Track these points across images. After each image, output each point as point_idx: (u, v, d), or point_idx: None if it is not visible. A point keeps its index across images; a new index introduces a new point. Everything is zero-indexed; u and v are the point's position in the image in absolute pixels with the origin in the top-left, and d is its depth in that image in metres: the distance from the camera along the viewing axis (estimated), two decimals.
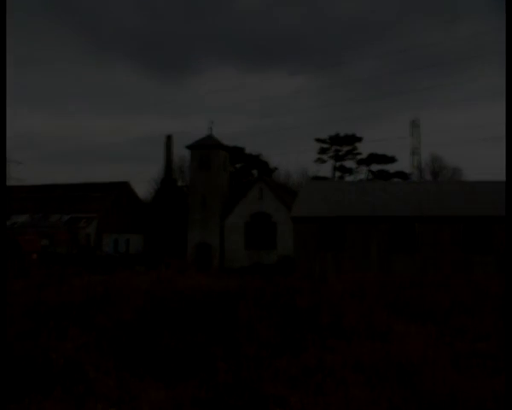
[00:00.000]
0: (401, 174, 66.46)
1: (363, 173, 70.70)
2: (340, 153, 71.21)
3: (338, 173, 71.45)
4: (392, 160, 67.93)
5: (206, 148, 51.15)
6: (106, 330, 10.03)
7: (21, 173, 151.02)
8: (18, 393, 6.71)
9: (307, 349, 9.50)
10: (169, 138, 67.19)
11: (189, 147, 52.65)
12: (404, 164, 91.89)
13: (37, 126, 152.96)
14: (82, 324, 10.92)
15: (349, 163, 71.49)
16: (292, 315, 12.55)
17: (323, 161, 72.19)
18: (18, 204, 68.90)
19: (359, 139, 70.27)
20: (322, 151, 71.73)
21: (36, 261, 32.36)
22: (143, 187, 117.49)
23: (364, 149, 71.24)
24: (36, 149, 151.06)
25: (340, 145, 70.83)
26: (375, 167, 69.52)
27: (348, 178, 70.00)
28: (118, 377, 7.32)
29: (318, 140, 71.77)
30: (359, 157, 70.33)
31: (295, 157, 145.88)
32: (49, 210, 65.38)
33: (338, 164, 71.60)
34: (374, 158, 68.89)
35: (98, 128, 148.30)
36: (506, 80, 9.42)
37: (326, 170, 76.35)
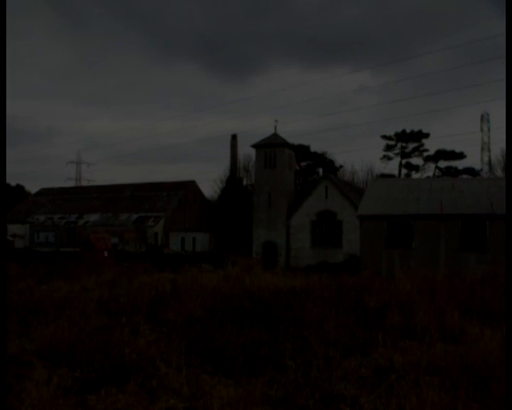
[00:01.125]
0: (470, 171, 64.47)
1: (430, 170, 69.05)
2: (407, 150, 69.79)
3: (404, 171, 70.09)
4: (460, 156, 65.97)
5: (271, 146, 51.32)
6: (176, 327, 10.19)
7: (92, 174, 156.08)
8: (95, 384, 6.92)
9: (377, 349, 9.34)
10: (234, 138, 67.73)
11: (254, 146, 52.96)
12: (473, 160, 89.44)
13: (107, 128, 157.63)
14: (152, 320, 11.15)
15: (416, 160, 70.06)
16: (360, 314, 12.37)
17: (390, 159, 71.03)
18: (89, 204, 71.25)
19: (426, 135, 68.63)
20: (389, 148, 70.56)
21: (107, 259, 33.33)
22: (209, 186, 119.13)
23: (431, 146, 69.79)
24: (106, 150, 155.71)
25: (407, 142, 69.39)
26: (443, 164, 67.76)
27: (415, 176, 68.56)
28: (188, 373, 7.42)
29: (384, 137, 70.64)
30: (426, 154, 68.77)
31: (361, 155, 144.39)
32: (119, 209, 67.20)
33: (404, 161, 70.25)
34: (441, 154, 67.10)
35: (165, 129, 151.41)
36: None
37: (392, 167, 75.18)
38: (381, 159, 71.50)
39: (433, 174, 67.46)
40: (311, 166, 70.13)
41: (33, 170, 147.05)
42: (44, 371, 7.16)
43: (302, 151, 65.41)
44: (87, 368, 7.34)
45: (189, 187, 69.40)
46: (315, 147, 71.08)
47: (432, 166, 68.87)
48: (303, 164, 69.29)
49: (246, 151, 71.14)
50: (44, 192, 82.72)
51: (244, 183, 70.21)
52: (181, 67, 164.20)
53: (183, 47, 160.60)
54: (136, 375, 7.12)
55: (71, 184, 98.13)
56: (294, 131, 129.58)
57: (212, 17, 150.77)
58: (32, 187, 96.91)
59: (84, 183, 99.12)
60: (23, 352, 8.16)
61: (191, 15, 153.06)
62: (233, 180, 67.55)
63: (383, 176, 65.04)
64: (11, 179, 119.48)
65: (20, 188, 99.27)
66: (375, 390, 7.03)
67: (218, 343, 8.91)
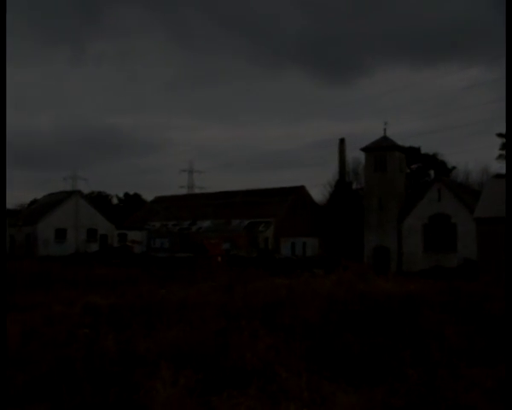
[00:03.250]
0: None
1: None
2: None
3: None
4: None
5: (381, 149, 50.38)
6: (293, 332, 10.25)
7: (203, 182, 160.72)
8: (216, 386, 7.11)
9: (502, 360, 8.87)
10: (342, 142, 67.17)
11: (363, 149, 52.23)
12: None
13: (217, 137, 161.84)
14: (268, 324, 11.27)
15: None
16: (481, 322, 11.84)
17: None
18: (201, 210, 73.34)
19: None
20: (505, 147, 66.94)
21: (220, 264, 34.15)
22: (319, 191, 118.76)
23: None
24: (216, 158, 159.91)
25: None
26: None
27: None
28: (308, 379, 7.43)
29: (500, 135, 67.04)
30: None
31: (474, 155, 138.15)
32: (230, 215, 68.61)
33: None
34: None
35: (273, 135, 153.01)
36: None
37: None
38: (497, 158, 67.88)
39: None
40: (422, 169, 68.02)
41: (149, 179, 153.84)
42: (169, 371, 7.44)
43: (412, 153, 63.61)
44: (209, 370, 7.56)
45: (299, 192, 69.59)
46: (425, 148, 68.92)
47: None
48: (413, 166, 67.41)
49: (354, 155, 70.25)
50: (159, 200, 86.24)
51: (353, 187, 69.33)
52: (287, 72, 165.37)
53: (289, 53, 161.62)
54: (257, 379, 7.23)
55: (183, 191, 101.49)
56: (403, 132, 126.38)
57: (315, 21, 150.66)
58: (148, 195, 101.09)
59: (195, 190, 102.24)
60: (149, 353, 8.53)
61: (294, 20, 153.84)
62: (342, 184, 66.97)
63: (500, 176, 61.79)
64: (130, 188, 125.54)
65: (137, 196, 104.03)
66: (504, 405, 6.68)
67: (336, 349, 8.86)
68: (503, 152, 67.04)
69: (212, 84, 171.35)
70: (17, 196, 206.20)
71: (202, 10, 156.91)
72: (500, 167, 68.14)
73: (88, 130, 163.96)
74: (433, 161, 67.33)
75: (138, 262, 36.50)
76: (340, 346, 9.08)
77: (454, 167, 69.37)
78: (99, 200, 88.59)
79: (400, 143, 52.68)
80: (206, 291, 16.98)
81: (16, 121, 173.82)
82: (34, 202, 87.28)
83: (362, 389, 7.33)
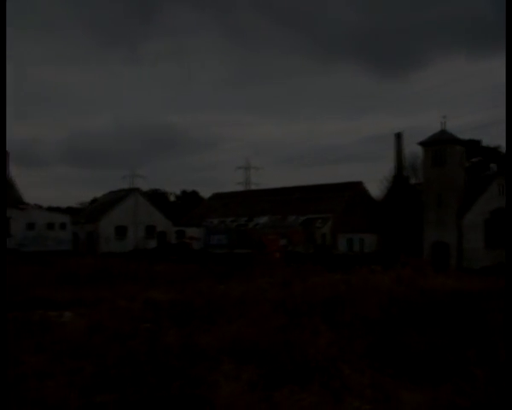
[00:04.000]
0: None
1: None
2: None
3: None
4: None
5: (440, 143, 49.27)
6: (354, 328, 10.17)
7: (260, 178, 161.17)
8: (278, 382, 7.12)
9: None
10: (399, 136, 65.99)
11: (421, 143, 51.19)
12: None
13: (273, 133, 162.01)
14: (328, 320, 11.20)
15: None
16: None
17: None
18: (258, 207, 73.64)
19: None
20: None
21: (278, 260, 34.18)
22: (375, 186, 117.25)
23: None
24: (272, 154, 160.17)
25: None
26: None
27: None
28: (371, 376, 7.35)
29: None
30: None
31: None
32: (287, 211, 68.60)
33: None
34: None
35: (328, 130, 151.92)
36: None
37: None
38: None
39: None
40: (483, 162, 66.15)
41: (206, 176, 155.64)
42: (231, 366, 7.50)
43: (472, 146, 61.93)
44: (270, 366, 7.58)
45: (356, 188, 68.92)
46: (487, 141, 66.98)
47: None
48: (474, 160, 65.62)
49: (412, 149, 69.06)
50: (216, 197, 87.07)
51: (411, 182, 68.05)
52: (342, 67, 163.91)
53: (343, 47, 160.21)
54: (319, 375, 7.20)
55: (240, 188, 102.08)
56: (462, 125, 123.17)
57: (368, 14, 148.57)
58: (205, 192, 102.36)
59: (252, 187, 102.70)
60: (210, 347, 8.62)
61: (347, 14, 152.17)
62: (399, 180, 65.83)
63: None
64: (187, 186, 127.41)
65: (195, 194, 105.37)
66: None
67: (398, 346, 8.72)
68: None
69: (267, 81, 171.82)
70: (78, 195, 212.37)
71: (255, 7, 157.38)
72: None
73: (145, 129, 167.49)
74: (495, 154, 65.38)
75: (196, 258, 36.96)
76: (402, 343, 8.93)
77: None
78: (157, 197, 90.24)
79: (460, 136, 51.39)
80: (264, 287, 17.02)
81: (76, 122, 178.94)
82: (95, 200, 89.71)
83: (426, 387, 7.18)
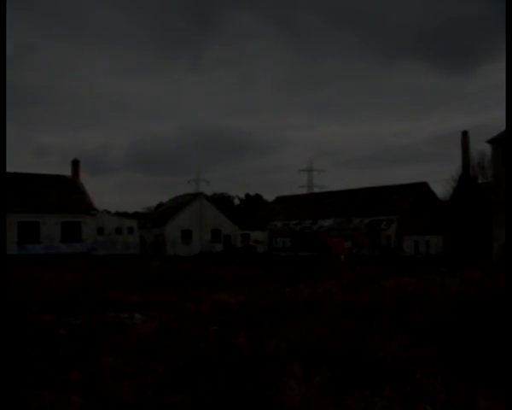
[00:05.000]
0: None
1: None
2: None
3: None
4: None
5: None
6: (424, 331, 9.98)
7: (323, 180, 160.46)
8: (348, 385, 7.07)
9: None
10: (465, 134, 64.29)
11: (490, 141, 49.71)
12: None
13: (335, 135, 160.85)
14: (397, 323, 11.03)
15: None
16: None
17: None
18: (322, 209, 73.34)
19: None
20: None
21: (344, 262, 33.92)
22: (441, 186, 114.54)
23: None
24: (335, 156, 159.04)
25: None
26: None
27: None
28: (444, 381, 7.19)
29: None
30: None
31: None
32: (351, 214, 67.98)
33: None
34: None
35: (392, 131, 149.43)
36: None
37: None
38: None
39: None
40: None
41: (269, 179, 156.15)
42: (300, 369, 7.51)
43: None
44: (340, 369, 7.54)
45: (421, 189, 67.55)
46: None
47: None
48: None
49: (480, 147, 67.02)
50: (280, 200, 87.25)
51: (479, 181, 66.08)
52: (403, 65, 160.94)
53: (404, 45, 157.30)
54: (391, 379, 7.11)
55: (303, 191, 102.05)
56: None
57: (429, 8, 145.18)
58: (269, 196, 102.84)
59: (315, 189, 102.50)
60: (279, 350, 8.66)
61: (405, 10, 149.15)
62: (466, 179, 64.10)
63: None
64: (250, 189, 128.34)
65: (258, 197, 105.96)
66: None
67: (472, 351, 8.49)
68: None
69: (329, 82, 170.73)
70: (144, 200, 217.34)
71: (313, 9, 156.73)
72: None
73: (209, 134, 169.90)
74: None
75: (261, 261, 37.14)
76: (476, 348, 8.69)
77: None
78: (221, 201, 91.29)
79: None
80: (331, 290, 16.94)
81: (142, 129, 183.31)
82: (161, 205, 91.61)
83: (503, 395, 6.95)
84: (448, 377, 7.46)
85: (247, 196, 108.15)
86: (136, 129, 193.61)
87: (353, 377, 7.35)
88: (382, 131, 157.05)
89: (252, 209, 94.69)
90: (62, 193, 56.90)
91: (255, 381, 7.18)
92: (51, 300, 16.70)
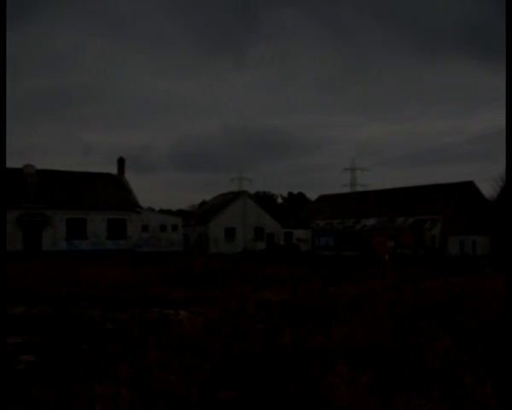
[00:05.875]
0: None
1: None
2: None
3: None
4: None
5: None
6: (472, 333, 9.81)
7: (366, 179, 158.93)
8: (394, 386, 7.01)
9: None
10: None
11: None
12: None
13: (378, 133, 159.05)
14: (443, 325, 10.86)
15: None
16: None
17: None
18: (365, 208, 72.65)
19: None
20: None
21: (388, 262, 33.56)
22: (489, 186, 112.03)
23: None
24: (378, 155, 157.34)
25: None
26: None
27: None
28: (495, 385, 7.04)
29: None
30: None
31: None
32: (395, 213, 67.17)
33: None
34: None
35: (436, 129, 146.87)
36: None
37: None
38: None
39: None
40: None
41: (312, 178, 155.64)
42: (346, 368, 7.47)
43: None
44: (387, 369, 7.47)
45: (467, 188, 66.24)
46: None
47: None
48: None
49: None
50: (323, 199, 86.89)
51: None
52: (448, 62, 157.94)
53: (448, 41, 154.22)
54: (439, 382, 7.01)
55: (346, 190, 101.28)
56: None
57: (474, 4, 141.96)
58: (312, 194, 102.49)
59: (358, 188, 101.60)
60: (324, 349, 8.64)
61: (450, 6, 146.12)
62: None
63: None
64: (292, 188, 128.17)
65: (301, 196, 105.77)
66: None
67: None
68: None
69: (371, 80, 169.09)
70: (188, 198, 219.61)
71: (357, 6, 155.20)
72: None
73: (251, 132, 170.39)
74: None
75: (304, 260, 37.08)
76: None
77: None
78: (264, 200, 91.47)
79: None
80: (375, 290, 16.80)
81: (185, 128, 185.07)
82: (204, 203, 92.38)
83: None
84: (498, 380, 7.31)
85: (290, 194, 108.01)
86: (179, 127, 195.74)
87: (400, 378, 7.27)
88: (426, 129, 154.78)
89: (294, 208, 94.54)
90: (108, 191, 58.00)
91: (301, 379, 7.19)
92: (98, 295, 17.05)
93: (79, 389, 6.96)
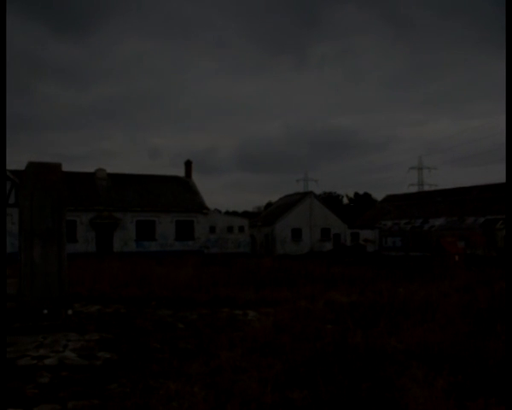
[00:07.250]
0: None
1: None
2: None
3: None
4: None
5: None
6: None
7: (434, 178, 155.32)
8: (470, 392, 6.83)
9: None
10: None
11: None
12: None
13: (447, 131, 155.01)
14: None
15: None
16: None
17: None
18: (433, 208, 70.97)
19: None
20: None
21: (458, 263, 32.68)
22: None
23: None
24: (447, 153, 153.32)
25: None
26: None
27: None
28: None
29: None
30: None
31: None
32: (464, 212, 65.31)
33: None
34: None
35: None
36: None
37: None
38: None
39: None
40: None
41: (378, 178, 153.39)
42: (420, 371, 7.34)
43: None
44: (463, 374, 7.29)
45: None
46: None
47: None
48: None
49: None
50: (389, 199, 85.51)
51: None
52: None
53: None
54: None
55: (413, 189, 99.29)
56: None
57: None
58: (378, 194, 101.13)
59: (426, 187, 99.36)
60: (395, 351, 8.51)
61: None
62: None
63: None
64: (358, 188, 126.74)
65: (367, 196, 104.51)
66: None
67: None
68: None
69: (438, 76, 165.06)
70: (253, 200, 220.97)
71: (419, 1, 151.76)
72: None
73: (316, 132, 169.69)
74: None
75: (371, 261, 36.62)
76: None
77: None
78: (330, 200, 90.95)
79: None
80: (446, 291, 16.39)
81: (249, 130, 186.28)
82: (270, 204, 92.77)
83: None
84: None
85: (356, 194, 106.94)
86: (243, 129, 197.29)
87: (477, 383, 7.07)
88: (498, 125, 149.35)
89: (361, 208, 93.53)
90: (176, 193, 59.17)
91: (373, 381, 7.12)
92: (168, 295, 17.41)
93: (155, 386, 7.15)
